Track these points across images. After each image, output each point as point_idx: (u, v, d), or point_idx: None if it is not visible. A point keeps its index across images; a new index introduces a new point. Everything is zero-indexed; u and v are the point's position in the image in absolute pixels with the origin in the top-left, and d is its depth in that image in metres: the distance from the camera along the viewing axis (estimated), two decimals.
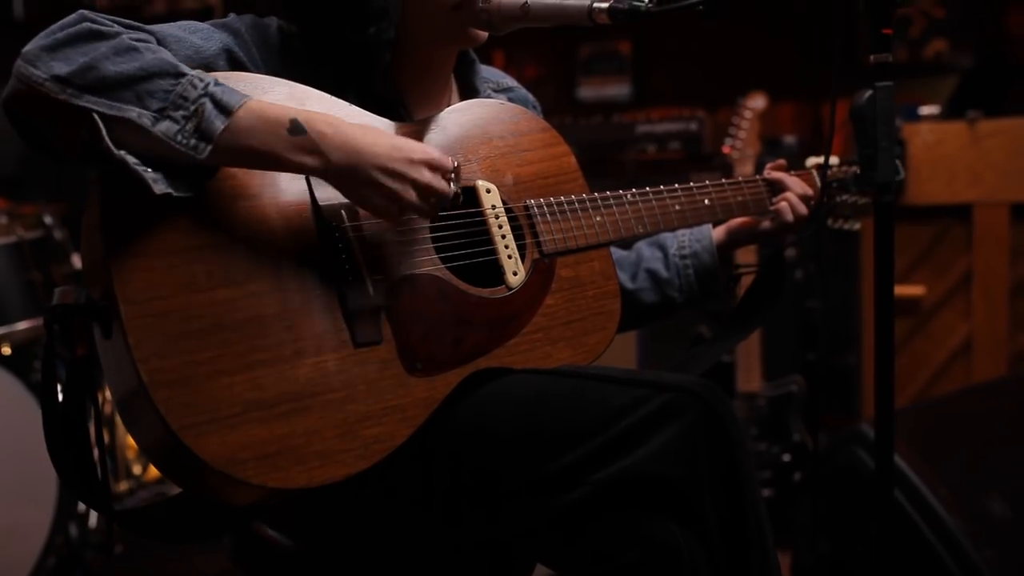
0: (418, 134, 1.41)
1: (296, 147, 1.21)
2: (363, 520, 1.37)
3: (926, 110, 3.62)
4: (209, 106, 1.17)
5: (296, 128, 1.20)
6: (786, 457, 2.98)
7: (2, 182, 3.37)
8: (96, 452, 1.30)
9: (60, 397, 1.27)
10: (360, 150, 1.23)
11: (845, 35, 1.44)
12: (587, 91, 6.10)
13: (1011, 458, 2.54)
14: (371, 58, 1.42)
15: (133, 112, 1.16)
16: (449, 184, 1.29)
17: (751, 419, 3.03)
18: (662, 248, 1.73)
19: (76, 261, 3.08)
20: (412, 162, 1.25)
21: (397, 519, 1.36)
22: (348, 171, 1.23)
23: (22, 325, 2.89)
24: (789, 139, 3.44)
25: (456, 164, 1.30)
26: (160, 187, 1.17)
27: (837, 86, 1.52)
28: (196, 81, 1.19)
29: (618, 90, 6.05)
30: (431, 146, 1.29)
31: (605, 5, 1.25)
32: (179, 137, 1.16)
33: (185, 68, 1.20)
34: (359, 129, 1.26)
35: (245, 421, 1.19)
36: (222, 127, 1.17)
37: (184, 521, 1.36)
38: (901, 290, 3.42)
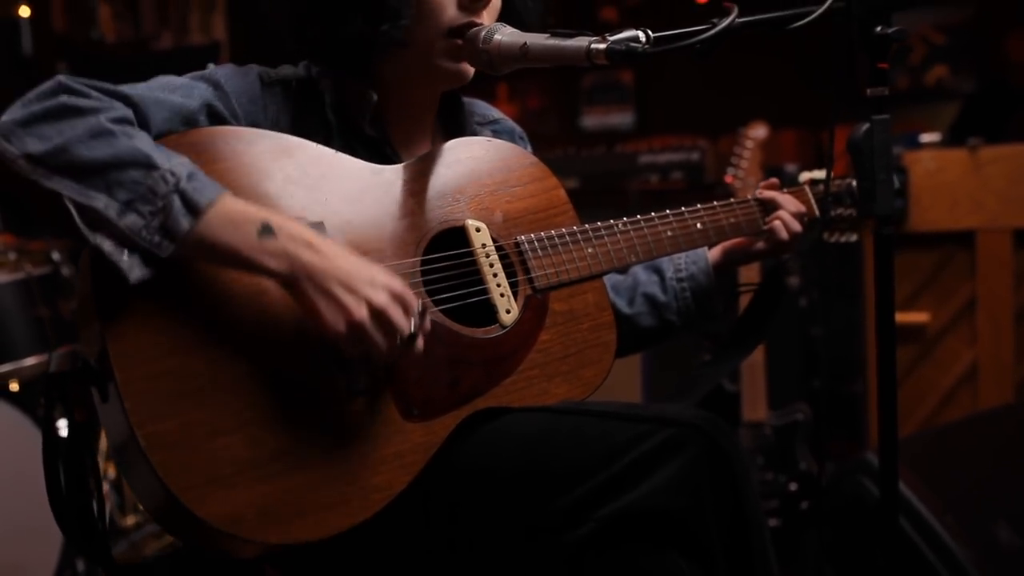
0: (407, 176, 1.41)
1: (263, 249, 1.19)
2: (365, 564, 1.36)
3: (927, 137, 3.64)
4: (177, 203, 1.17)
5: (266, 230, 1.19)
6: (792, 486, 2.97)
7: (10, 218, 3.39)
8: (96, 510, 1.29)
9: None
10: (326, 261, 1.21)
11: (844, 63, 1.45)
12: (590, 120, 6.13)
13: (1018, 486, 2.53)
14: (368, 88, 1.42)
15: (100, 201, 1.15)
16: (409, 321, 1.24)
17: (757, 448, 3.02)
18: (659, 272, 1.73)
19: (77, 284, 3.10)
20: (373, 283, 1.22)
21: (399, 564, 1.36)
22: (308, 278, 1.20)
23: (29, 361, 2.90)
24: (791, 167, 3.46)
25: (422, 306, 1.27)
26: (136, 274, 1.17)
27: (836, 114, 1.53)
28: (168, 175, 1.17)
29: (621, 119, 6.08)
30: (399, 279, 1.26)
31: (603, 46, 1.26)
32: (143, 233, 1.16)
33: (159, 158, 1.18)
34: (329, 242, 1.24)
35: (244, 479, 1.19)
36: (188, 227, 1.17)
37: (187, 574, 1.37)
38: (905, 317, 3.42)
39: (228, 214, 1.19)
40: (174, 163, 1.19)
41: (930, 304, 3.49)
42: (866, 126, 1.43)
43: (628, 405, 1.37)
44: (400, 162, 1.46)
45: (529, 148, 1.69)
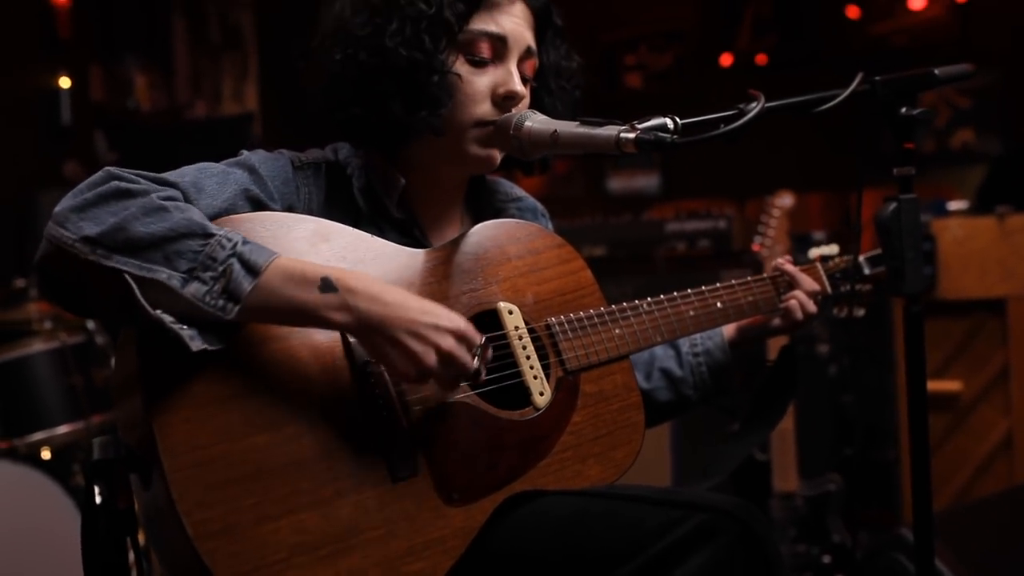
0: (439, 260, 1.42)
1: (326, 305, 1.21)
2: None
3: (954, 205, 3.64)
4: (237, 266, 1.18)
5: (327, 286, 1.21)
6: (826, 559, 2.92)
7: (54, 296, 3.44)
8: None
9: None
10: (389, 309, 1.23)
11: (868, 129, 1.47)
12: (616, 183, 6.17)
13: None
14: (397, 172, 1.45)
15: (163, 273, 1.16)
16: (473, 358, 1.27)
17: (789, 520, 2.98)
18: (675, 347, 1.74)
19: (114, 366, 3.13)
20: (439, 328, 1.24)
21: None
22: (375, 329, 1.23)
23: (62, 429, 2.94)
24: (818, 234, 3.46)
25: (483, 341, 1.28)
26: (196, 344, 1.17)
27: (860, 196, 1.54)
28: (224, 241, 1.19)
29: (647, 182, 6.12)
30: (461, 318, 1.28)
31: (632, 135, 1.27)
32: (207, 298, 1.17)
33: (213, 228, 1.21)
34: (389, 288, 1.26)
35: (291, 566, 1.19)
36: (250, 287, 1.18)
37: None
38: (938, 386, 3.39)
39: (288, 272, 1.21)
40: (227, 231, 1.22)
41: (962, 372, 3.45)
42: (893, 205, 1.43)
43: (661, 490, 1.36)
44: (428, 242, 1.49)
45: (550, 225, 1.72)
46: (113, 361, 3.13)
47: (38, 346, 2.98)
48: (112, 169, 1.23)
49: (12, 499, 2.73)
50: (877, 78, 1.44)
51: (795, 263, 1.75)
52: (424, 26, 1.39)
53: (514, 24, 1.45)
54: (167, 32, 5.76)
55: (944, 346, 3.45)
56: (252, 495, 1.19)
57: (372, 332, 1.23)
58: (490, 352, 1.30)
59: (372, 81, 1.41)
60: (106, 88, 5.27)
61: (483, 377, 1.30)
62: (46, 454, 2.90)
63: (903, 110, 1.42)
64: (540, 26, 1.51)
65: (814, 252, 1.81)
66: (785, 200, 3.08)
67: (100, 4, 5.16)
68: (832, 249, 1.80)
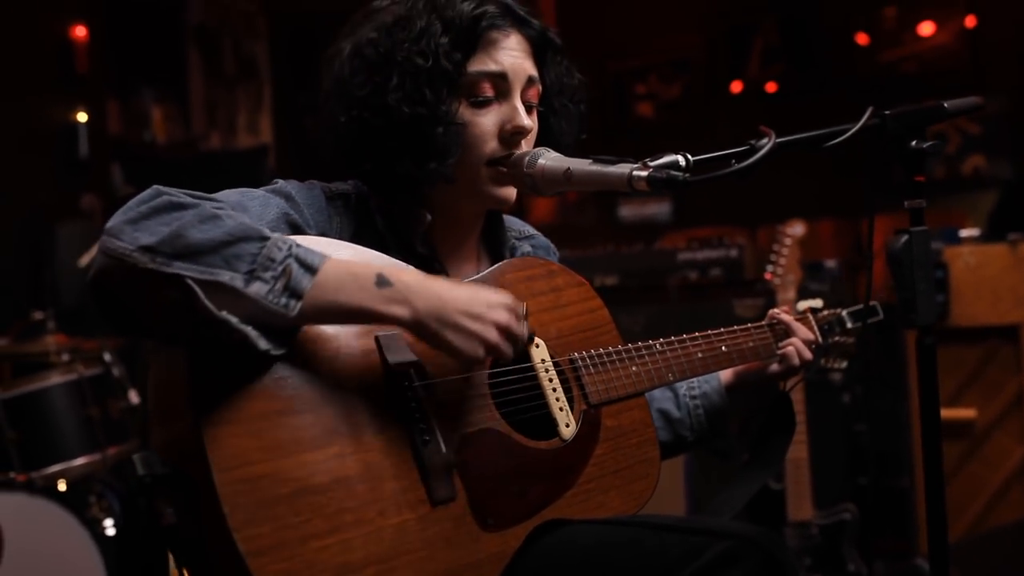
0: None
1: (385, 299, 1.25)
2: None
3: (966, 232, 3.64)
4: (295, 265, 1.21)
5: (382, 281, 1.25)
6: None
7: (64, 316, 3.49)
8: None
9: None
10: (443, 298, 1.28)
11: (879, 156, 1.48)
12: (628, 211, 6.20)
13: None
14: (422, 208, 1.48)
15: (225, 276, 1.18)
16: (524, 326, 1.34)
17: (804, 549, 2.97)
18: (673, 389, 1.78)
19: (133, 396, 3.16)
20: (491, 305, 1.31)
21: None
22: (435, 317, 1.27)
23: (79, 461, 2.95)
24: (830, 263, 3.46)
25: (525, 307, 1.35)
26: (263, 344, 1.20)
27: (871, 223, 1.55)
28: (280, 243, 1.22)
29: (659, 210, 6.14)
30: (504, 292, 1.34)
31: (644, 174, 1.27)
32: (270, 297, 1.19)
33: (267, 231, 1.23)
34: (436, 279, 1.31)
35: None
36: (310, 284, 1.21)
37: None
38: (952, 413, 3.38)
39: (344, 269, 1.24)
40: (280, 235, 1.24)
41: (976, 400, 3.44)
42: (905, 237, 1.44)
43: (683, 518, 1.39)
44: (447, 276, 1.51)
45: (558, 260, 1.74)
46: (132, 392, 3.16)
47: (55, 378, 3.01)
48: (160, 187, 1.25)
49: (29, 532, 2.74)
50: (887, 112, 1.45)
51: (811, 294, 1.78)
52: (424, 79, 1.41)
53: (512, 58, 1.47)
54: (182, 64, 5.83)
55: (958, 373, 3.44)
56: (300, 512, 1.20)
57: (432, 321, 1.27)
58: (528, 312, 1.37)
59: (379, 139, 1.43)
60: (123, 121, 5.33)
61: (534, 337, 1.38)
62: (62, 486, 2.91)
63: (913, 143, 1.43)
64: (539, 50, 1.52)
65: (802, 305, 1.88)
66: (796, 229, 3.09)
67: (117, 38, 5.23)
68: (817, 302, 1.88)
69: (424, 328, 1.28)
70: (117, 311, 1.24)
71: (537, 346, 1.48)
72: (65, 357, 3.05)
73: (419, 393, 1.33)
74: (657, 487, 1.54)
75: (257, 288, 1.19)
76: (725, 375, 1.77)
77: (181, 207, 1.21)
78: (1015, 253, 3.40)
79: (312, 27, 5.27)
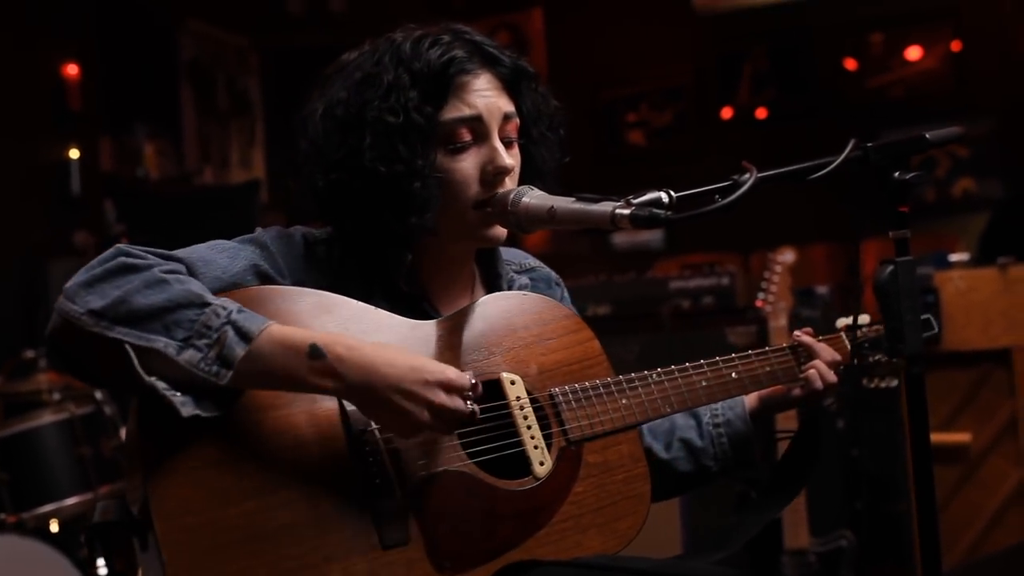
0: (443, 331, 1.44)
1: (315, 371, 1.25)
2: None
3: (956, 257, 3.65)
4: (231, 333, 1.23)
5: (315, 352, 1.25)
6: None
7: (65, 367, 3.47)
8: None
9: None
10: (376, 372, 1.26)
11: (867, 182, 1.47)
12: (621, 238, 6.20)
13: None
14: (403, 250, 1.47)
15: (160, 342, 1.22)
16: (466, 403, 1.30)
17: None
18: (695, 416, 1.72)
19: (124, 435, 3.14)
20: (427, 383, 1.27)
21: None
22: (365, 392, 1.27)
23: (70, 501, 2.94)
24: (821, 289, 3.47)
25: (474, 382, 1.31)
26: (188, 410, 1.22)
27: (857, 254, 1.55)
28: (219, 310, 1.24)
29: (651, 236, 6.15)
30: (448, 367, 1.31)
31: (627, 212, 1.27)
32: (202, 364, 1.22)
33: (210, 297, 1.26)
34: (378, 350, 1.29)
35: None
36: (242, 353, 1.23)
37: None
38: (946, 437, 3.37)
39: (279, 339, 1.25)
40: (224, 300, 1.27)
41: (970, 424, 3.44)
42: (890, 268, 1.45)
43: (654, 561, 1.37)
44: (437, 314, 1.50)
45: (566, 293, 1.73)
46: (123, 431, 3.14)
47: (47, 417, 3.00)
48: (122, 246, 1.29)
49: (21, 574, 2.72)
50: (869, 144, 1.46)
51: (803, 322, 1.74)
52: (397, 137, 1.40)
53: (485, 99, 1.45)
54: (175, 100, 5.86)
55: (951, 398, 3.44)
56: (240, 559, 1.22)
57: (362, 395, 1.28)
58: (480, 388, 1.33)
59: (358, 199, 1.43)
60: (116, 157, 5.35)
61: (479, 415, 1.34)
62: (54, 526, 2.90)
63: (896, 174, 1.43)
64: (512, 83, 1.50)
65: (840, 322, 1.78)
66: (787, 256, 3.11)
67: (109, 74, 5.25)
68: (863, 318, 1.73)
69: (354, 401, 1.29)
70: (73, 364, 1.30)
71: (513, 383, 1.46)
72: (56, 396, 3.05)
73: (376, 436, 1.33)
74: (651, 525, 1.50)
75: (189, 356, 1.22)
76: (750, 401, 1.70)
77: (134, 270, 1.26)
78: (1005, 277, 3.42)
79: (304, 62, 5.29)
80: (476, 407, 1.33)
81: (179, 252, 1.35)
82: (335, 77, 1.48)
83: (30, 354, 3.32)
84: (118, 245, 1.30)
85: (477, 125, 1.44)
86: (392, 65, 1.43)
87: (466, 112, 1.44)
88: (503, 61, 1.47)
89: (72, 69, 5.04)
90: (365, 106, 1.42)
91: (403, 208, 1.42)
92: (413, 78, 1.42)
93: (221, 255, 1.38)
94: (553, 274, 1.74)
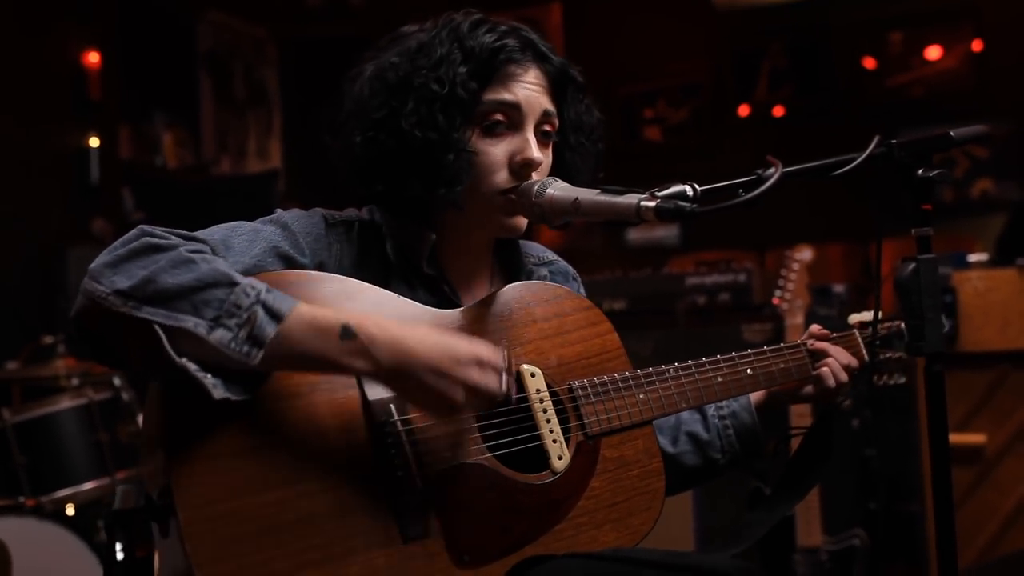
0: (465, 321, 1.44)
1: (347, 352, 1.23)
2: None
3: (974, 257, 3.63)
4: (261, 313, 1.21)
5: (346, 333, 1.23)
6: None
7: (74, 340, 3.50)
8: None
9: None
10: (409, 352, 1.25)
11: (887, 180, 1.47)
12: (636, 234, 6.19)
13: None
14: (427, 228, 1.48)
15: (189, 322, 1.19)
16: (500, 381, 1.29)
17: None
18: (701, 410, 1.73)
19: (142, 421, 3.16)
20: (460, 362, 1.26)
21: None
22: (398, 373, 1.25)
23: (88, 485, 2.96)
24: (838, 288, 3.46)
25: (507, 361, 1.31)
26: (219, 392, 1.20)
27: (879, 249, 1.55)
28: (249, 289, 1.22)
29: (666, 233, 6.15)
30: (480, 343, 1.30)
31: (652, 204, 1.28)
32: (232, 344, 1.19)
33: (238, 276, 1.24)
34: (408, 329, 1.28)
35: None
36: (273, 333, 1.21)
37: None
38: (961, 439, 3.36)
39: (309, 319, 1.23)
40: (251, 280, 1.25)
41: (986, 425, 3.42)
42: (912, 265, 1.44)
43: (665, 553, 1.36)
44: (457, 298, 1.51)
45: (582, 289, 1.73)
46: (140, 417, 3.16)
47: (65, 403, 3.02)
48: (145, 227, 1.27)
49: (38, 556, 2.74)
50: (893, 141, 1.45)
51: (819, 320, 1.73)
52: (438, 106, 1.42)
53: (527, 91, 1.47)
54: (194, 90, 5.89)
55: (966, 399, 3.43)
56: (263, 550, 1.21)
57: (396, 377, 1.26)
58: (513, 365, 1.32)
59: (391, 161, 1.44)
60: (134, 146, 5.38)
61: (514, 396, 1.32)
62: (71, 510, 2.92)
63: (920, 172, 1.43)
64: (558, 86, 1.53)
65: (853, 318, 1.78)
66: (804, 254, 3.10)
67: (129, 64, 5.28)
68: (870, 315, 1.75)
69: (388, 382, 1.28)
70: (98, 347, 1.27)
71: (533, 375, 1.46)
72: (75, 381, 3.07)
73: (398, 428, 1.32)
74: (664, 521, 1.50)
75: (220, 335, 1.19)
76: (756, 394, 1.71)
77: (159, 249, 1.23)
78: (1023, 277, 3.40)
79: (321, 53, 5.31)
80: (512, 385, 1.32)
81: (200, 233, 1.35)
82: (390, 45, 1.50)
83: (49, 339, 3.35)
84: (141, 226, 1.28)
85: (514, 113, 1.46)
86: (448, 40, 1.46)
87: (507, 97, 1.46)
88: (553, 61, 1.50)
89: (92, 58, 5.07)
90: (414, 72, 1.44)
91: (433, 177, 1.43)
92: (465, 55, 1.44)
93: (240, 238, 1.38)
94: (570, 268, 1.75)
